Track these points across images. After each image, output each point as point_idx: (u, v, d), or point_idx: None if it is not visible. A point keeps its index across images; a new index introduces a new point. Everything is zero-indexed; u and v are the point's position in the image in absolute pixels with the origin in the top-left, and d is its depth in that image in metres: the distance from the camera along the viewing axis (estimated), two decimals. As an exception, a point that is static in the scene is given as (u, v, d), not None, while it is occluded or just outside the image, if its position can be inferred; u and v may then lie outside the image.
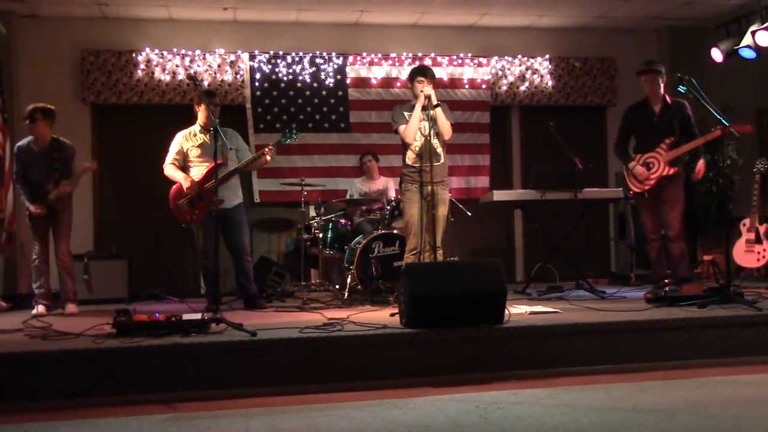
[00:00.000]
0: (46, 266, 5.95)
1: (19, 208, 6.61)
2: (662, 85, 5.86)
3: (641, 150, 5.96)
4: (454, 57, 8.64)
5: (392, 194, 7.28)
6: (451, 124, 5.52)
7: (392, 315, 4.63)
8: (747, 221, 6.74)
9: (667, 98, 5.89)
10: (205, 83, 8.01)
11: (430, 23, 8.57)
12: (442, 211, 5.54)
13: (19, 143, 5.98)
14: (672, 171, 5.78)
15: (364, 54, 8.48)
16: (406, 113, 5.52)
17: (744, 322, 4.26)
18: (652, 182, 5.83)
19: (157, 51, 8.03)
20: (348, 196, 7.55)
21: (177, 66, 8.05)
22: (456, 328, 3.98)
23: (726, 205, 7.33)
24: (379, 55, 8.49)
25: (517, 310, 4.78)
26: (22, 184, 5.89)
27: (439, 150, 5.52)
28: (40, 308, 5.75)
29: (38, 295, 5.85)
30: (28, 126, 5.85)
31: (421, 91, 5.38)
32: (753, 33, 7.18)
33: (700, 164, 5.94)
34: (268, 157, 5.73)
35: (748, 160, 7.48)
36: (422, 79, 5.45)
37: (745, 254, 6.70)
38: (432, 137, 5.38)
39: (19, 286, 7.37)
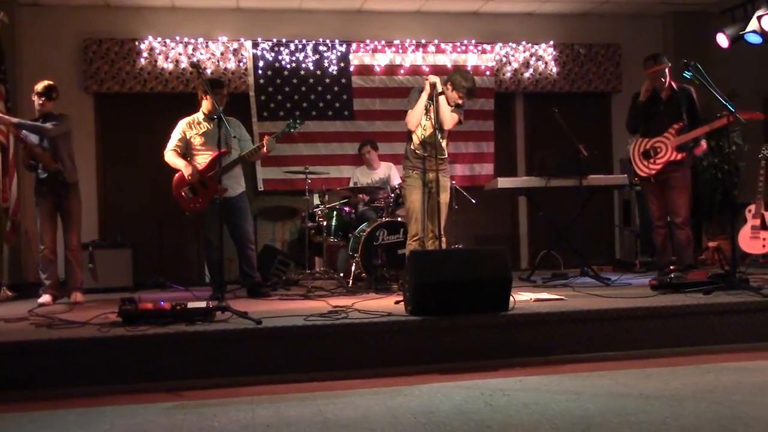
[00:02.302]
0: (54, 257, 5.93)
1: (23, 197, 6.61)
2: (668, 75, 5.83)
3: (649, 135, 5.93)
4: (458, 44, 8.61)
5: (395, 181, 7.24)
6: (459, 120, 5.48)
7: (397, 302, 4.64)
8: (752, 207, 6.72)
9: (674, 84, 5.86)
10: (208, 71, 7.99)
11: (434, 10, 8.53)
12: (444, 197, 5.50)
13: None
14: (680, 156, 5.74)
15: (368, 41, 8.44)
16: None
17: (749, 308, 4.24)
18: (659, 166, 5.81)
19: (159, 39, 8.01)
20: (351, 184, 7.53)
21: (180, 54, 8.03)
22: (461, 315, 3.97)
23: (731, 191, 7.31)
24: (383, 42, 8.46)
25: (522, 297, 4.77)
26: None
27: (443, 141, 5.48)
28: (46, 297, 5.75)
29: (47, 285, 5.84)
30: (43, 103, 5.80)
31: (426, 79, 5.35)
32: (759, 18, 7.13)
33: (703, 142, 5.93)
34: (265, 150, 5.71)
35: (753, 146, 7.45)
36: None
37: (750, 240, 6.68)
38: (437, 127, 5.34)
39: (24, 275, 7.39)
